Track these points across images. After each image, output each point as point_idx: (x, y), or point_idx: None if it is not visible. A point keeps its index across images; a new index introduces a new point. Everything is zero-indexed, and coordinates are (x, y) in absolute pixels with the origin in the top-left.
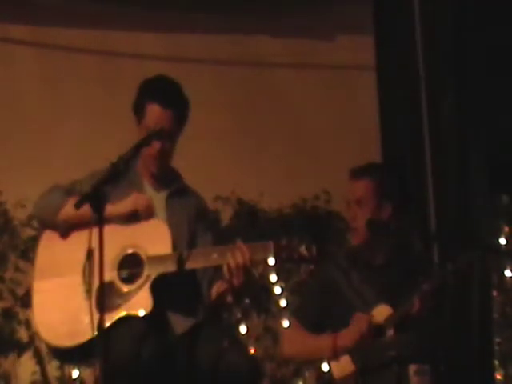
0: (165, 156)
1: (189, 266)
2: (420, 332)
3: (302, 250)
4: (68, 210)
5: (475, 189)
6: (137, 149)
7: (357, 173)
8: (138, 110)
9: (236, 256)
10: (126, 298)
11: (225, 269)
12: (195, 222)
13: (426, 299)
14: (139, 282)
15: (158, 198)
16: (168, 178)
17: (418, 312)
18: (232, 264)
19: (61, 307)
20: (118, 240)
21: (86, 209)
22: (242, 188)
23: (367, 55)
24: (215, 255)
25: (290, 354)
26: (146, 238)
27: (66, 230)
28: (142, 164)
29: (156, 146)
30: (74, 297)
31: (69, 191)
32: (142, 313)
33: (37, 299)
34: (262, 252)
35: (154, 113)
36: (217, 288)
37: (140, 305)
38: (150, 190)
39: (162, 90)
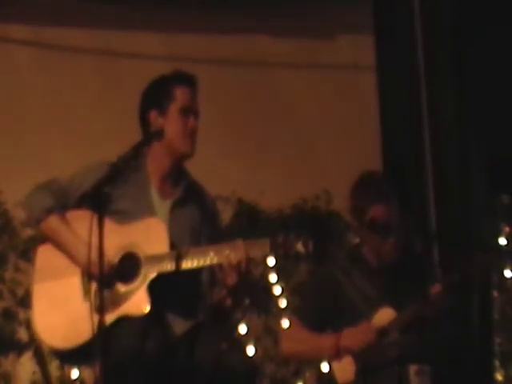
0: (196, 135)
1: (186, 265)
2: (422, 333)
3: (299, 246)
4: (47, 224)
5: (475, 189)
6: (137, 148)
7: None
8: (166, 97)
9: (230, 255)
10: (123, 299)
11: (218, 269)
12: (200, 230)
13: (436, 303)
14: (137, 282)
15: (163, 208)
16: (177, 178)
17: (430, 315)
18: (225, 263)
19: (60, 309)
20: (115, 239)
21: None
22: (243, 188)
23: (367, 55)
24: (212, 253)
25: (292, 353)
26: (143, 237)
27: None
28: (153, 163)
29: (191, 122)
30: (73, 298)
31: (55, 191)
32: (139, 313)
33: (36, 302)
34: (258, 249)
35: (187, 94)
36: (217, 294)
37: (138, 305)
38: (155, 198)
39: (186, 74)
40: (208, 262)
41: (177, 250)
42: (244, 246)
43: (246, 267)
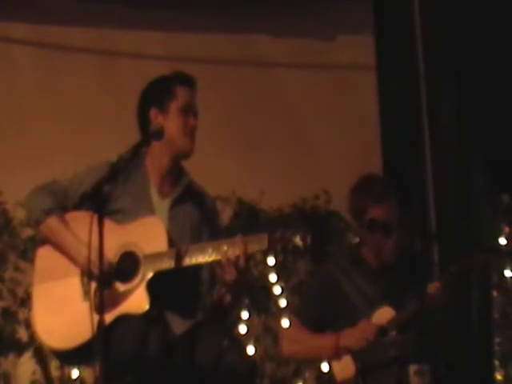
0: (195, 134)
1: (185, 262)
2: (421, 332)
3: (297, 239)
4: (47, 225)
5: (475, 189)
6: (137, 148)
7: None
8: (167, 96)
9: (228, 251)
10: (123, 298)
11: (217, 266)
12: (199, 229)
13: (435, 298)
14: (136, 280)
15: (162, 207)
16: (176, 177)
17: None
18: (223, 259)
19: (60, 310)
20: (114, 239)
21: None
22: (242, 188)
23: (367, 55)
24: (210, 250)
25: (291, 353)
26: (142, 236)
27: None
28: (152, 162)
29: (191, 121)
30: (73, 299)
31: (55, 192)
32: (139, 311)
33: (36, 303)
34: (256, 244)
35: (186, 94)
36: (217, 291)
37: (137, 304)
38: (155, 196)
39: (187, 75)
40: (206, 258)
41: (175, 248)
42: (242, 241)
43: (244, 262)
